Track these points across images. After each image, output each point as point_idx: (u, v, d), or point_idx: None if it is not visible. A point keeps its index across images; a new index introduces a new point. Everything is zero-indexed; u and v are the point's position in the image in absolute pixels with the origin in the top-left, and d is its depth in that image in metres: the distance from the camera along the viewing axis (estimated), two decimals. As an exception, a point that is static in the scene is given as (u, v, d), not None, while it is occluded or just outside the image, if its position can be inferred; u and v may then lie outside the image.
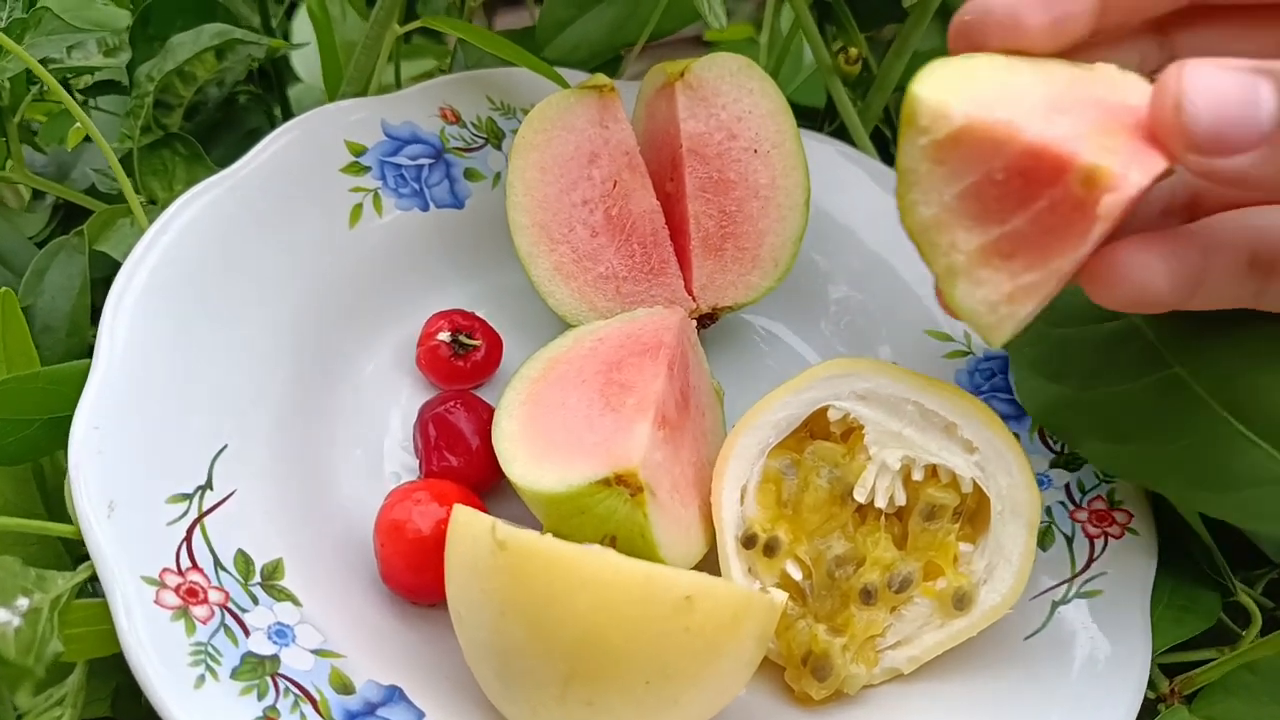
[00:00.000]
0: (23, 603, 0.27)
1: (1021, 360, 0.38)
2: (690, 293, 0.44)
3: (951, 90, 0.28)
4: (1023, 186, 0.27)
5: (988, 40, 0.30)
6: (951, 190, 0.28)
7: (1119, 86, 0.29)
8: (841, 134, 0.51)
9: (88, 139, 0.49)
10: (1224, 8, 0.33)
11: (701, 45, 0.87)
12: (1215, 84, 0.27)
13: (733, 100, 0.44)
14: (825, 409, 0.37)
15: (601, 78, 0.44)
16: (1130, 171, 0.26)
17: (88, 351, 0.43)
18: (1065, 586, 0.38)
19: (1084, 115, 0.28)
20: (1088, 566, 0.38)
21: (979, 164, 0.28)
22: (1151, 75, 0.30)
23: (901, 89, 0.49)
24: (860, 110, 0.51)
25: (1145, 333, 0.35)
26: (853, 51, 0.48)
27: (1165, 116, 0.27)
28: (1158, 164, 0.27)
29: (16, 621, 0.27)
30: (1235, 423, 0.33)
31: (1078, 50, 0.32)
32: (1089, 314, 0.37)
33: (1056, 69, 0.30)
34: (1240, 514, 0.33)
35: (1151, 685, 0.36)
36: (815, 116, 0.65)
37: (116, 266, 0.44)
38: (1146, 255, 0.29)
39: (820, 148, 0.48)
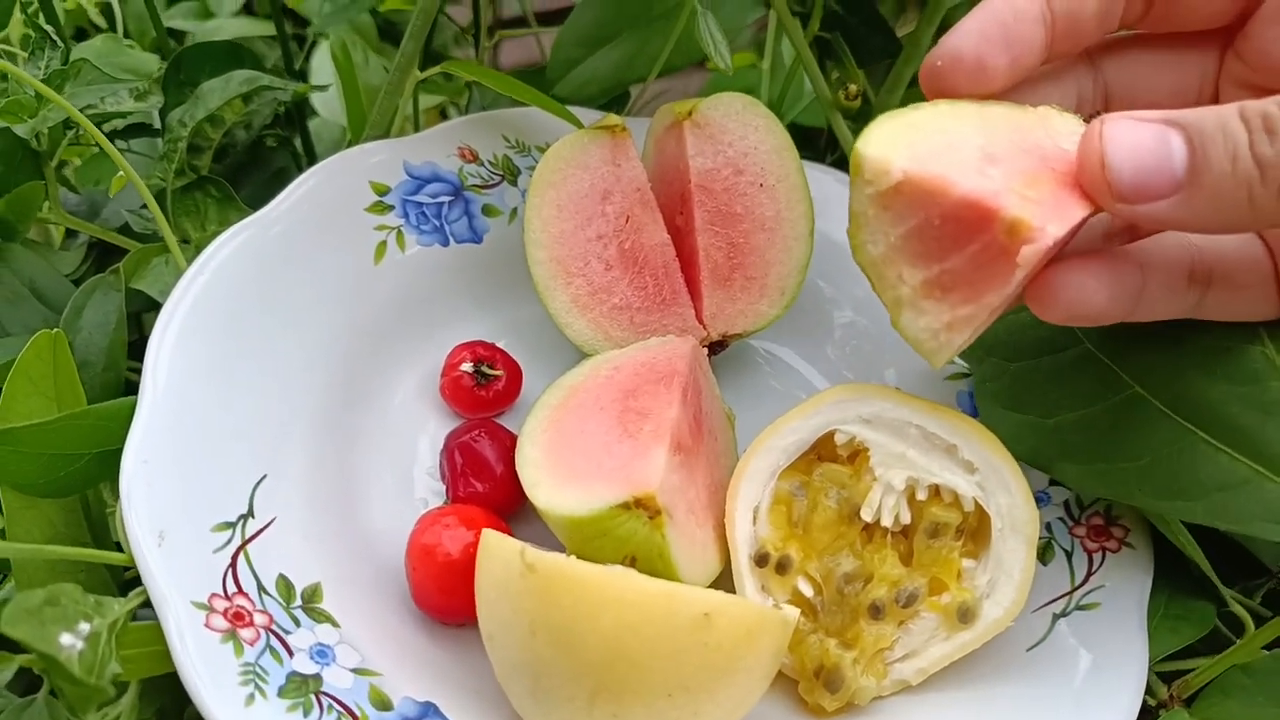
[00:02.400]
0: (84, 627, 0.29)
1: (985, 394, 0.39)
2: (701, 321, 0.46)
3: (892, 146, 0.31)
4: (957, 231, 0.30)
5: (957, 82, 0.33)
6: (896, 232, 0.31)
7: (1057, 131, 0.32)
8: (843, 164, 0.53)
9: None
10: (1147, 37, 0.36)
11: (704, 70, 0.89)
12: (1133, 138, 0.29)
13: (739, 137, 0.46)
14: (832, 433, 0.38)
15: (614, 118, 0.46)
16: (1048, 224, 0.29)
17: (125, 385, 0.45)
18: (1065, 599, 0.39)
19: (1015, 165, 0.31)
20: (1086, 580, 0.39)
21: (919, 211, 0.31)
22: (1088, 115, 0.34)
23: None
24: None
25: (1100, 358, 0.38)
26: (853, 88, 0.50)
27: (1092, 172, 0.30)
28: (1076, 213, 0.30)
29: (80, 645, 0.28)
30: (1198, 432, 0.35)
31: (1026, 85, 0.35)
32: (1044, 346, 0.39)
33: (1000, 115, 0.33)
34: (1212, 517, 0.35)
35: (1151, 692, 0.37)
36: (818, 139, 0.67)
37: (150, 303, 0.46)
38: (1082, 276, 0.32)
39: (823, 178, 0.50)
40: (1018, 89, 0.35)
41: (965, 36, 0.33)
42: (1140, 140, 0.29)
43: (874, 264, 0.32)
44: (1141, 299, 0.34)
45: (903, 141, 0.31)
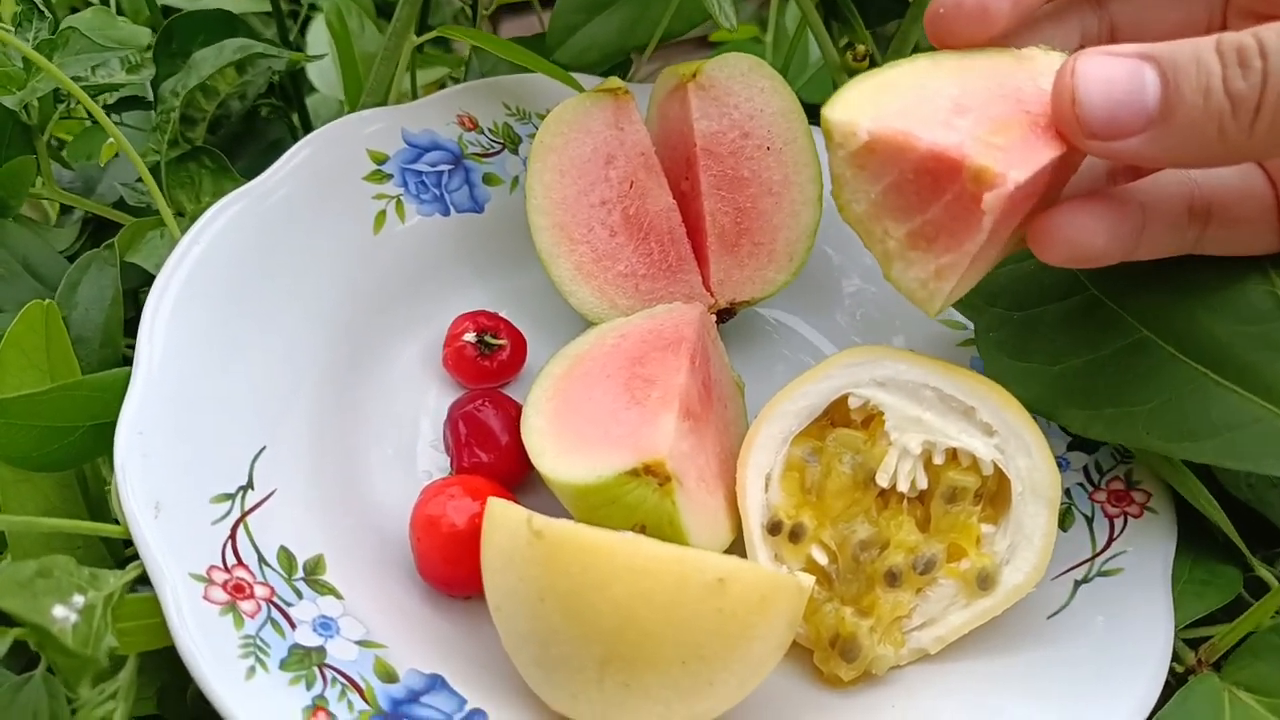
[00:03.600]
0: (78, 600, 0.28)
1: (988, 344, 0.39)
2: (708, 288, 0.45)
3: (859, 108, 0.31)
4: (931, 183, 0.31)
5: (961, 27, 0.33)
6: (875, 189, 0.32)
7: (1039, 71, 0.32)
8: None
9: (116, 154, 0.50)
10: None
11: (707, 46, 0.88)
12: (1105, 73, 0.29)
13: (745, 99, 0.45)
14: (846, 397, 0.37)
15: (616, 81, 0.45)
16: (1011, 170, 0.29)
17: (122, 361, 0.44)
18: (1087, 565, 0.38)
19: (986, 112, 0.31)
20: (1108, 545, 0.39)
21: (891, 168, 0.31)
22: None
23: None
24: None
25: (1107, 303, 0.37)
26: (860, 49, 0.49)
27: (1064, 110, 0.30)
28: (1045, 155, 0.30)
29: (74, 618, 0.27)
30: (1208, 373, 0.34)
31: (1027, 26, 0.35)
32: (1049, 294, 0.39)
33: (980, 63, 0.33)
34: (1222, 456, 0.34)
35: (1178, 658, 0.36)
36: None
37: (147, 277, 0.45)
38: (1081, 217, 0.32)
39: (831, 143, 0.49)
40: (1019, 31, 0.35)
41: None
42: (1113, 75, 0.29)
43: (860, 221, 0.33)
44: (1143, 237, 0.34)
45: (870, 102, 0.31)
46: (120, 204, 0.49)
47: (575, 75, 0.47)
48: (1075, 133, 0.30)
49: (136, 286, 0.48)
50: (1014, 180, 0.29)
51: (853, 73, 0.50)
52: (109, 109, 0.53)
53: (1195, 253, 0.35)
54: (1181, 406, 0.35)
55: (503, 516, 0.32)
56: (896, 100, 0.32)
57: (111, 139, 0.43)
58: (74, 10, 0.67)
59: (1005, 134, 0.30)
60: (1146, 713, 0.34)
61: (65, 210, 0.54)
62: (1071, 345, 0.37)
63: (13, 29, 0.46)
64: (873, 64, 0.51)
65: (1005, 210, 0.30)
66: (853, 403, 0.37)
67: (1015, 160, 0.29)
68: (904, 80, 0.32)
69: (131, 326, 0.43)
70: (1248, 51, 0.28)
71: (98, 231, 0.51)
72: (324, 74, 0.62)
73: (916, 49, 0.50)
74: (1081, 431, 0.38)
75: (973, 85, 0.32)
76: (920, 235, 0.32)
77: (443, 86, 0.70)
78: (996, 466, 0.36)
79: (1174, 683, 0.35)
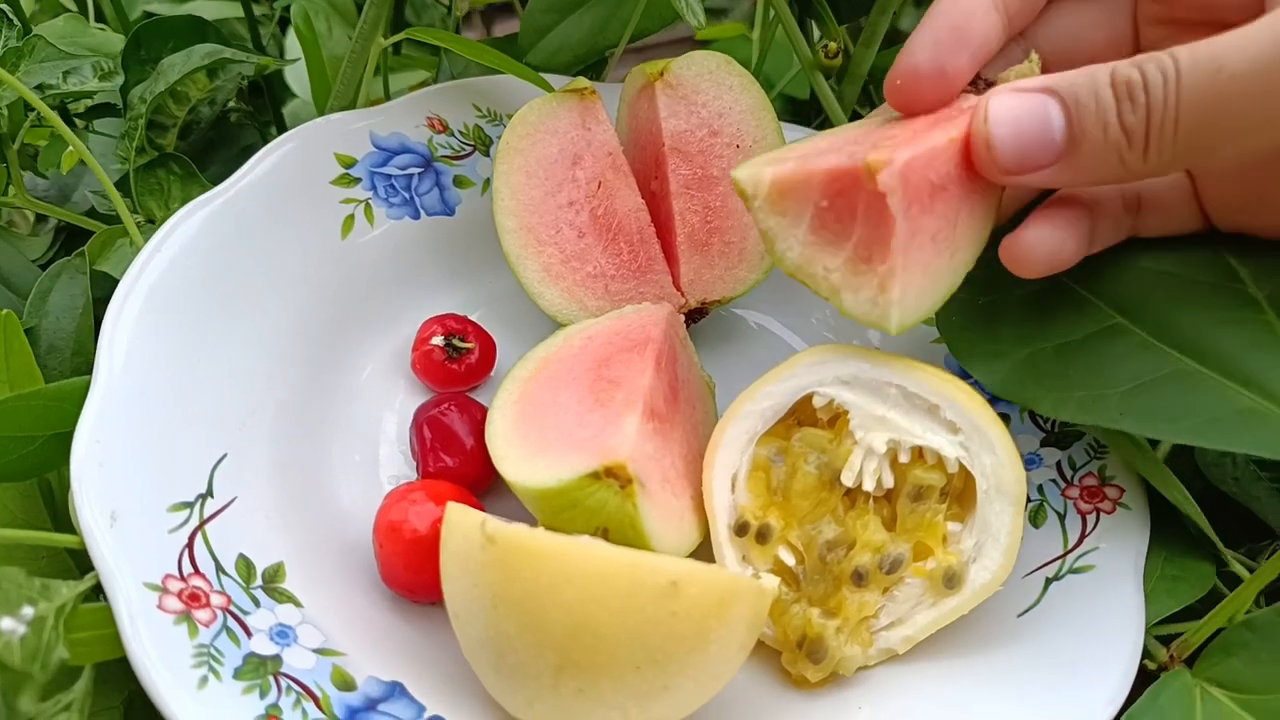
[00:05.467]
0: (27, 611, 0.28)
1: (950, 325, 0.39)
2: (678, 288, 0.44)
3: (760, 164, 0.34)
4: (845, 205, 0.33)
5: (921, 93, 0.34)
6: (801, 230, 0.34)
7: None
8: (829, 125, 0.52)
9: (79, 161, 0.50)
10: None
11: (695, 45, 0.88)
12: (1014, 114, 0.31)
13: (713, 97, 0.44)
14: (810, 396, 0.37)
15: (582, 81, 0.44)
16: (897, 154, 0.31)
17: (93, 369, 0.44)
18: (1058, 563, 0.38)
19: (869, 140, 0.34)
20: (1080, 542, 0.38)
21: (805, 202, 0.34)
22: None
23: (874, 75, 0.50)
24: (839, 99, 0.51)
25: (1078, 290, 0.38)
26: (832, 45, 0.48)
27: (980, 151, 0.32)
28: (935, 139, 0.32)
29: (21, 630, 0.27)
30: (1185, 359, 0.35)
31: None
32: (1014, 280, 0.38)
33: (871, 122, 0.36)
34: (1198, 436, 0.34)
35: (1150, 656, 0.36)
36: (808, 110, 0.66)
37: (117, 286, 0.45)
38: (1049, 230, 0.34)
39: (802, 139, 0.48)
40: None
41: (920, 49, 0.34)
42: (1020, 116, 0.31)
43: (799, 269, 0.34)
44: (1095, 235, 0.36)
45: (770, 159, 0.34)
46: (93, 212, 0.49)
47: (548, 76, 0.47)
48: (992, 172, 0.32)
49: (108, 294, 0.48)
50: (901, 159, 0.30)
51: (825, 70, 0.50)
52: (83, 117, 0.53)
53: (1134, 235, 0.37)
54: (1157, 390, 0.35)
55: (459, 521, 0.31)
56: (793, 152, 0.34)
57: (72, 148, 0.43)
58: (56, 15, 0.67)
59: (896, 135, 0.32)
60: (1116, 710, 0.33)
61: (41, 219, 0.54)
62: (1041, 330, 0.38)
63: (-19, 39, 0.46)
64: (846, 59, 0.51)
65: (911, 194, 0.31)
66: (817, 401, 0.37)
67: (904, 147, 0.31)
68: (803, 145, 0.36)
69: (102, 333, 0.43)
70: (1134, 86, 0.30)
71: (71, 240, 0.51)
72: (302, 79, 0.62)
73: (886, 42, 0.50)
74: (1051, 414, 0.37)
75: (859, 133, 0.35)
76: (856, 258, 0.33)
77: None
78: (961, 465, 0.35)
79: (1147, 679, 0.35)
